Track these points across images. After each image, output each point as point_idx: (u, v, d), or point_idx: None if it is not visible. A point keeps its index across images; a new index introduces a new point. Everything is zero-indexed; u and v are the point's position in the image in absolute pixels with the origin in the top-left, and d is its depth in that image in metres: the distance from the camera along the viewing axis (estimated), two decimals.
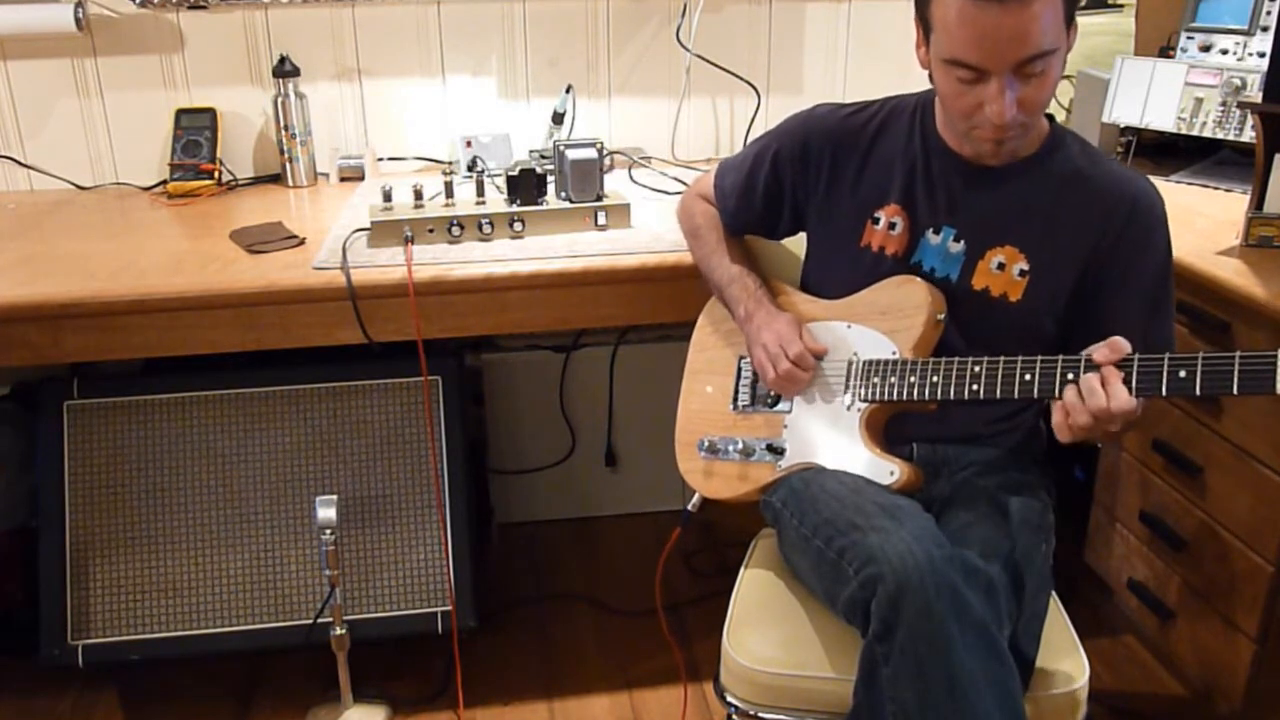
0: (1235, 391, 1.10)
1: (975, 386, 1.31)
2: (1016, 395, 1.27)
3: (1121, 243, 1.36)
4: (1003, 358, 1.29)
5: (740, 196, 1.61)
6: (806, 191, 1.54)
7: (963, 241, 1.42)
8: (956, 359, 1.34)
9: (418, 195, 1.82)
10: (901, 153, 1.46)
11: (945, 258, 1.43)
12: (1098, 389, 1.17)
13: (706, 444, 1.54)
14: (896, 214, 1.46)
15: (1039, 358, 1.25)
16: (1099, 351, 1.19)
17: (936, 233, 1.44)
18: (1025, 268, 1.39)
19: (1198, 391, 1.12)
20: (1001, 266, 1.40)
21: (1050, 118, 1.40)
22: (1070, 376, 1.22)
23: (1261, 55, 1.98)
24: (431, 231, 1.79)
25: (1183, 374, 1.14)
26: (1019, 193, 1.40)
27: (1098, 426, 1.18)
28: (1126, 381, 1.17)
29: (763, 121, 2.36)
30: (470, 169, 2.17)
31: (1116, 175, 1.39)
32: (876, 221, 1.47)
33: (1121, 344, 1.19)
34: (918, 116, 1.46)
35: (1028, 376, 1.26)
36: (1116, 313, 1.36)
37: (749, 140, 1.72)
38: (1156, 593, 1.73)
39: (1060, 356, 1.24)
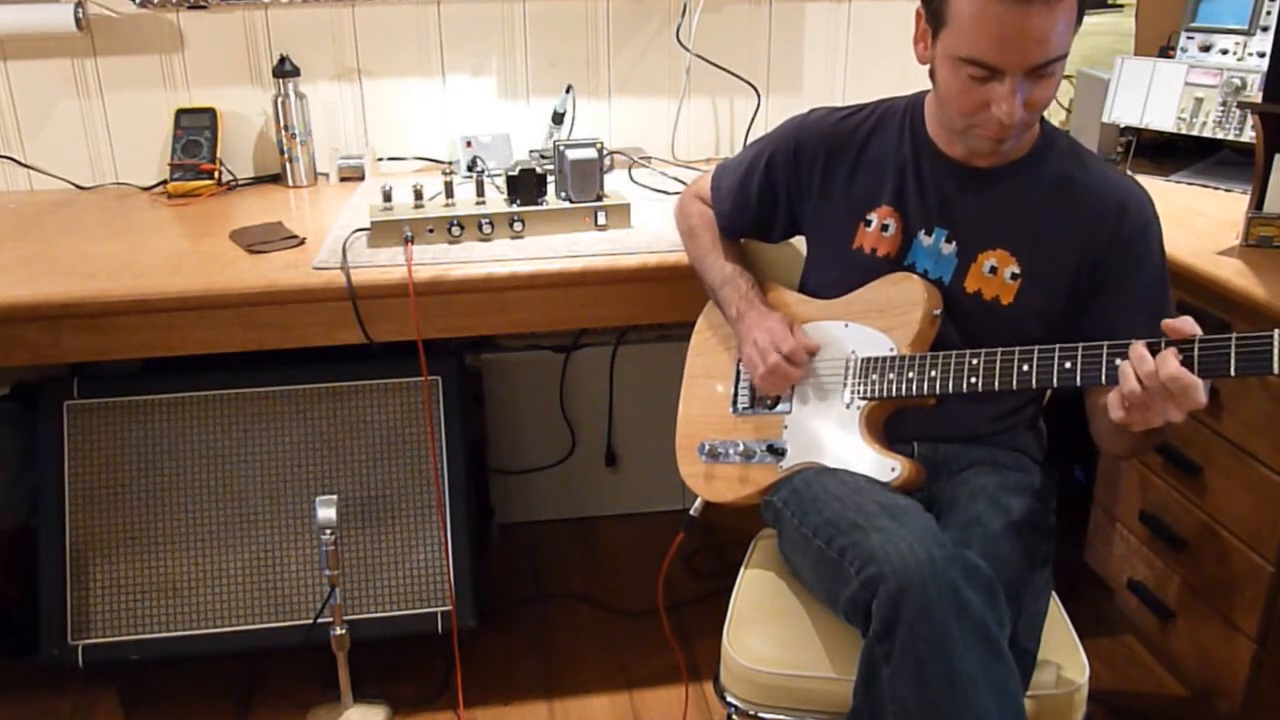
0: (1232, 373, 1.09)
1: (974, 379, 1.31)
2: (1015, 387, 1.27)
3: (1115, 247, 1.36)
4: (1000, 349, 1.29)
5: (736, 199, 1.62)
6: (800, 195, 1.54)
7: (955, 243, 1.42)
8: (954, 352, 1.34)
9: (418, 195, 1.82)
10: (893, 155, 1.46)
11: (937, 259, 1.43)
12: (1147, 356, 1.13)
13: (707, 448, 1.54)
14: (889, 215, 1.46)
15: (1036, 347, 1.26)
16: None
17: (929, 234, 1.43)
18: (1017, 271, 1.39)
19: (1195, 373, 1.12)
20: (994, 270, 1.40)
21: (1040, 118, 1.39)
22: (1068, 365, 1.22)
23: (1261, 55, 1.98)
24: (431, 231, 1.79)
25: (1179, 358, 1.13)
26: (1010, 195, 1.40)
27: (1157, 400, 1.13)
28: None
29: (763, 121, 2.36)
30: (470, 169, 2.17)
31: (1105, 178, 1.39)
32: (869, 223, 1.47)
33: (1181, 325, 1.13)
34: (907, 118, 1.46)
35: (1025, 368, 1.26)
36: (1120, 319, 1.35)
37: (749, 141, 1.73)
38: (1156, 593, 1.73)
39: (1057, 346, 1.24)
